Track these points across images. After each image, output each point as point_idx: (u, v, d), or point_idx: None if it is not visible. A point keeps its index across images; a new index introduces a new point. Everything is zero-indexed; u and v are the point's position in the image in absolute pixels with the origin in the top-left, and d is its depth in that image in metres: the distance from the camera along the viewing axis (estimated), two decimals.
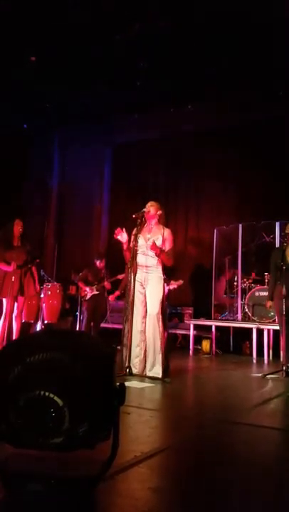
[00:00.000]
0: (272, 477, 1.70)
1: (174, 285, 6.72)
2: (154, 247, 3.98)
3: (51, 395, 1.28)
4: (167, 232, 4.17)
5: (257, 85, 6.95)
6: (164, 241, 4.09)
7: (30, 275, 5.25)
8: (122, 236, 4.12)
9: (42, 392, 1.28)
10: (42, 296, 6.75)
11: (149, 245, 4.04)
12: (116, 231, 4.17)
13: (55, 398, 1.28)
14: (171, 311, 7.18)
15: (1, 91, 7.09)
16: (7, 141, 7.84)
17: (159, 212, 4.19)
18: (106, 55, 6.43)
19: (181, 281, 6.83)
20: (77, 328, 6.95)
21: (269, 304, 4.90)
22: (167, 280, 5.61)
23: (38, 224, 8.93)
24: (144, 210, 4.16)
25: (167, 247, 4.10)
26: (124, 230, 4.15)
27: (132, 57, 6.47)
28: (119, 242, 4.20)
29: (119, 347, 4.00)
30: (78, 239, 9.28)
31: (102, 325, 7.08)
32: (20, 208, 7.72)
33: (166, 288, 6.34)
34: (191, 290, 8.04)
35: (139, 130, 8.63)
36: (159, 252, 3.98)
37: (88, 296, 6.73)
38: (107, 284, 6.70)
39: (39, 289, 6.02)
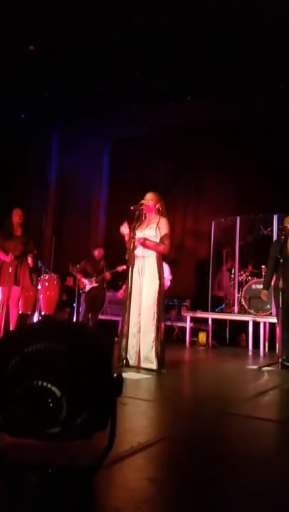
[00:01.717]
0: (270, 468, 1.72)
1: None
2: (138, 240, 3.98)
3: (49, 385, 1.28)
4: (162, 220, 4.15)
5: (256, 80, 6.91)
6: (158, 228, 4.08)
7: (26, 266, 5.24)
8: (125, 229, 4.12)
9: (40, 383, 1.29)
10: (39, 287, 6.75)
11: (147, 232, 4.05)
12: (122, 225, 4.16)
13: (53, 388, 1.28)
14: (168, 303, 7.20)
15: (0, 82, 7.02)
16: (7, 132, 7.78)
17: (158, 205, 4.18)
18: (106, 48, 6.37)
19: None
20: (75, 320, 6.96)
21: (264, 293, 4.91)
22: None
23: (37, 215, 8.90)
24: (142, 202, 4.15)
25: (161, 233, 4.08)
26: (126, 223, 4.14)
27: (131, 51, 6.41)
28: (121, 235, 4.20)
29: (117, 338, 4.01)
30: (76, 231, 9.26)
31: (100, 317, 7.09)
32: (19, 199, 7.68)
33: (169, 283, 6.35)
34: (189, 282, 8.06)
35: (138, 124, 8.58)
36: (142, 243, 3.98)
37: (87, 289, 6.71)
38: (107, 275, 6.66)
39: (36, 280, 6.02)
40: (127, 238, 4.14)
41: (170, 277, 6.46)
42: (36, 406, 1.29)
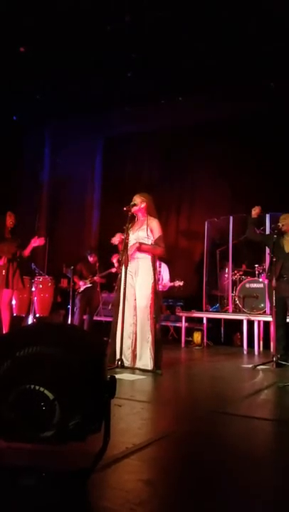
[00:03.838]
0: (265, 467, 1.72)
1: (178, 283, 6.64)
2: (132, 247, 3.98)
3: (41, 389, 1.27)
4: (154, 222, 4.15)
5: (248, 79, 6.93)
6: (151, 232, 4.08)
7: (20, 268, 5.22)
8: (116, 239, 4.11)
9: (32, 386, 1.28)
10: (33, 289, 6.72)
11: (139, 234, 4.05)
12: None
13: (46, 392, 1.27)
14: (162, 303, 7.20)
15: None
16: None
17: (143, 204, 4.18)
18: (97, 46, 6.35)
19: (181, 283, 6.70)
20: (70, 322, 6.95)
21: (273, 283, 4.73)
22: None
23: (30, 216, 8.86)
24: (134, 202, 4.16)
25: (155, 236, 4.09)
26: (118, 235, 4.13)
27: (123, 49, 6.40)
28: (113, 236, 4.20)
29: (110, 340, 4.00)
30: (70, 232, 9.23)
31: (95, 318, 7.09)
32: (11, 199, 7.65)
33: (169, 284, 6.35)
34: (183, 282, 8.05)
35: (130, 122, 8.57)
36: (138, 248, 3.98)
37: (81, 289, 6.73)
38: (97, 279, 6.71)
39: (29, 282, 6.00)
40: (119, 247, 4.14)
41: (169, 278, 6.47)
42: (29, 410, 1.29)
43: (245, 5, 5.42)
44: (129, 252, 3.99)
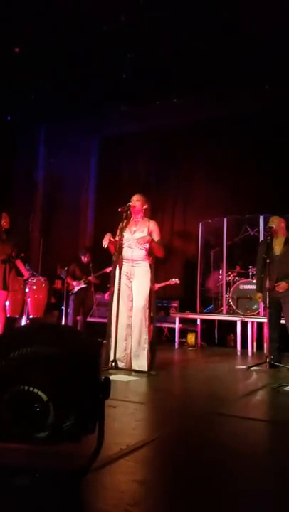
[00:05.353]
0: (260, 468, 1.73)
1: (174, 282, 6.70)
2: (140, 240, 3.98)
3: (35, 390, 1.27)
4: (153, 223, 4.16)
5: (243, 80, 6.96)
6: (150, 233, 4.08)
7: (14, 269, 5.20)
8: (105, 242, 4.07)
9: (26, 387, 1.28)
10: (27, 290, 6.70)
11: (134, 241, 4.03)
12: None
13: (40, 393, 1.27)
14: (157, 304, 7.20)
15: None
16: None
17: (145, 206, 4.18)
18: (93, 45, 6.35)
19: (177, 281, 6.81)
20: (64, 322, 6.93)
21: (258, 295, 4.90)
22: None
23: (24, 216, 8.82)
24: (129, 203, 4.15)
25: (155, 238, 4.09)
26: (108, 235, 4.09)
27: (119, 48, 6.40)
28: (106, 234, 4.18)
29: (104, 341, 3.99)
30: (64, 232, 9.21)
31: (88, 319, 7.08)
32: (5, 200, 7.61)
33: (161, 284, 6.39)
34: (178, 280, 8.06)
35: (125, 123, 8.57)
36: (147, 240, 3.97)
37: (75, 290, 6.72)
38: (91, 279, 6.70)
39: (28, 275, 5.99)
40: (111, 248, 4.12)
41: None
42: (23, 411, 1.28)
43: (245, 5, 5.43)
44: (138, 243, 3.97)
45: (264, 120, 7.32)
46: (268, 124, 7.28)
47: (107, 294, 7.03)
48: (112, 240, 4.05)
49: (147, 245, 4.05)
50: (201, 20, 5.74)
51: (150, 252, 4.09)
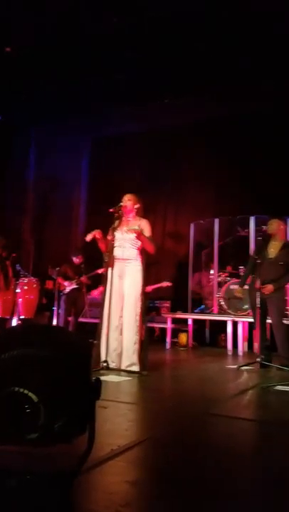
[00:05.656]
0: (251, 467, 1.74)
1: (166, 284, 6.74)
2: (131, 230, 3.98)
3: (26, 391, 1.27)
4: (144, 221, 4.15)
5: (235, 82, 6.98)
6: (141, 230, 4.08)
7: (4, 270, 5.17)
8: (89, 236, 4.07)
9: (16, 389, 1.27)
10: (18, 290, 6.66)
11: (126, 240, 4.03)
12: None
13: (30, 394, 1.27)
14: (148, 304, 7.21)
15: None
16: None
17: (137, 205, 4.18)
18: (86, 46, 6.33)
19: (169, 283, 6.85)
20: (55, 323, 6.90)
21: (238, 290, 5.01)
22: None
23: (15, 217, 8.78)
24: (120, 204, 4.15)
25: (146, 234, 4.08)
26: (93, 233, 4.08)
27: (112, 48, 6.39)
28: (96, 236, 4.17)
29: (96, 341, 3.98)
30: (56, 233, 9.18)
31: (80, 319, 7.05)
32: None
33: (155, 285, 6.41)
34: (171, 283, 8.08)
35: (118, 123, 8.57)
36: (138, 233, 3.97)
37: (67, 290, 6.69)
38: (83, 279, 6.68)
39: (14, 283, 5.94)
40: (99, 244, 4.11)
41: None
42: (13, 412, 1.28)
43: (245, 5, 5.45)
44: (128, 234, 3.97)
45: (264, 120, 7.35)
46: (268, 124, 7.31)
47: (96, 293, 7.04)
48: (98, 236, 4.04)
49: (139, 244, 4.04)
50: (201, 20, 5.75)
51: (142, 251, 4.09)
